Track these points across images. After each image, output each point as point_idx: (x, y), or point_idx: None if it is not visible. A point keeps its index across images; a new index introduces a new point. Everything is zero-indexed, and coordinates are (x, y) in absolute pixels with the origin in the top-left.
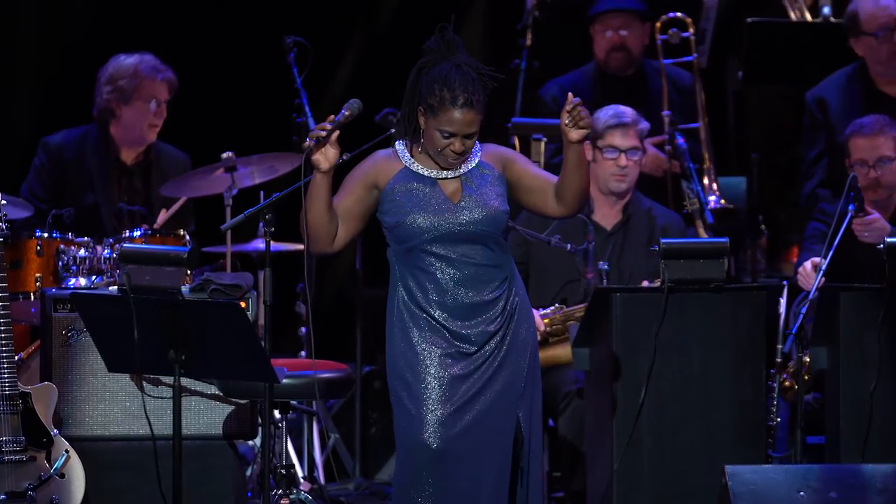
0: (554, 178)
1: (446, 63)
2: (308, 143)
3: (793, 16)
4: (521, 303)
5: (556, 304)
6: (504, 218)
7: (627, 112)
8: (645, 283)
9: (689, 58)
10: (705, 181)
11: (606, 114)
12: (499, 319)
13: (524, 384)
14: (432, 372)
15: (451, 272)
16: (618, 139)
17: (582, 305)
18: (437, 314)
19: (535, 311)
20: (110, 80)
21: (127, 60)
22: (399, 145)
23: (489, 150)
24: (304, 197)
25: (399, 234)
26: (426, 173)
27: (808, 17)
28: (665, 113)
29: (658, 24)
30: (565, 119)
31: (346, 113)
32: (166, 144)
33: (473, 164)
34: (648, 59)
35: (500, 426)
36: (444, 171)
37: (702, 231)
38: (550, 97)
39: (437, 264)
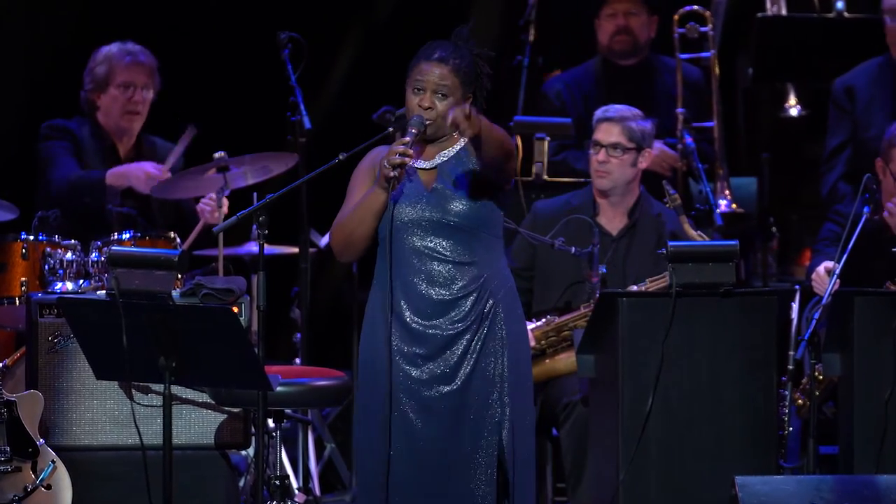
0: None
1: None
2: (393, 172)
3: (769, 9)
4: (504, 306)
5: (548, 316)
6: (481, 212)
7: (618, 107)
8: (633, 288)
9: (707, 54)
10: (717, 183)
11: (599, 110)
12: (463, 322)
13: (502, 393)
14: (390, 369)
15: (418, 266)
16: (600, 133)
17: (576, 313)
18: (401, 309)
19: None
20: (89, 72)
21: (103, 49)
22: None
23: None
24: (358, 214)
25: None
26: (410, 162)
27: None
28: (679, 110)
29: (676, 17)
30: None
31: (414, 132)
32: (157, 137)
33: (454, 153)
34: (659, 54)
35: (472, 435)
36: (426, 162)
37: (687, 227)
38: (554, 93)
39: (406, 256)
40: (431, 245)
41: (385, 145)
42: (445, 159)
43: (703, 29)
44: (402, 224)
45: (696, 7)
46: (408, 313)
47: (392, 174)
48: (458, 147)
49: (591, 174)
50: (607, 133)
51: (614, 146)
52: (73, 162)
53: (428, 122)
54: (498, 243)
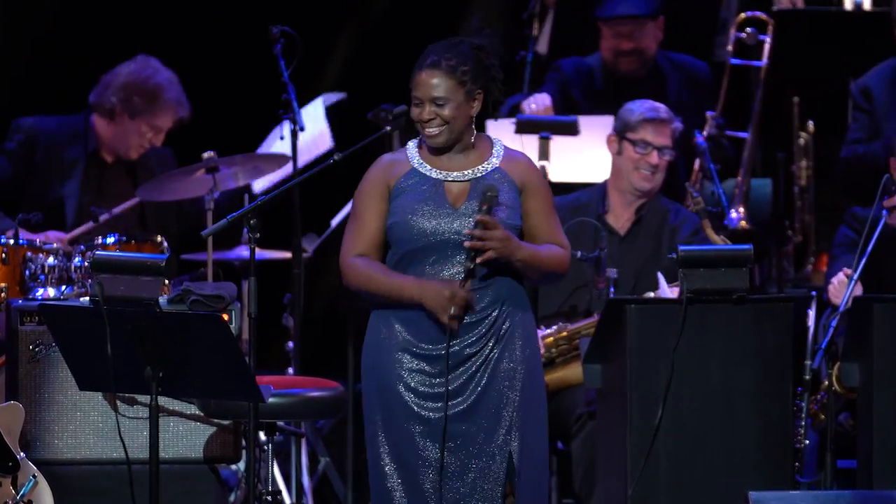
0: (548, 243)
1: None
2: (454, 324)
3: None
4: (522, 328)
5: (560, 323)
6: (512, 232)
7: (663, 107)
8: (650, 295)
9: (759, 63)
10: (735, 196)
11: (643, 106)
12: (478, 342)
13: (514, 412)
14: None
15: None
16: (651, 135)
17: (590, 320)
18: (412, 338)
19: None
20: (125, 88)
21: (154, 78)
22: (411, 144)
23: (515, 159)
24: (388, 292)
25: (394, 237)
26: (435, 175)
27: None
28: (709, 113)
29: (736, 21)
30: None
31: (485, 207)
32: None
33: (489, 169)
34: (665, 51)
35: (481, 459)
36: (454, 173)
37: (710, 232)
38: (570, 71)
39: (430, 275)
40: (453, 270)
41: (391, 152)
42: (479, 175)
43: (761, 37)
44: (428, 243)
45: (757, 13)
46: (422, 342)
47: (455, 326)
48: (493, 166)
49: (630, 173)
50: (661, 134)
51: (666, 148)
52: (5, 168)
53: (473, 256)
54: None
